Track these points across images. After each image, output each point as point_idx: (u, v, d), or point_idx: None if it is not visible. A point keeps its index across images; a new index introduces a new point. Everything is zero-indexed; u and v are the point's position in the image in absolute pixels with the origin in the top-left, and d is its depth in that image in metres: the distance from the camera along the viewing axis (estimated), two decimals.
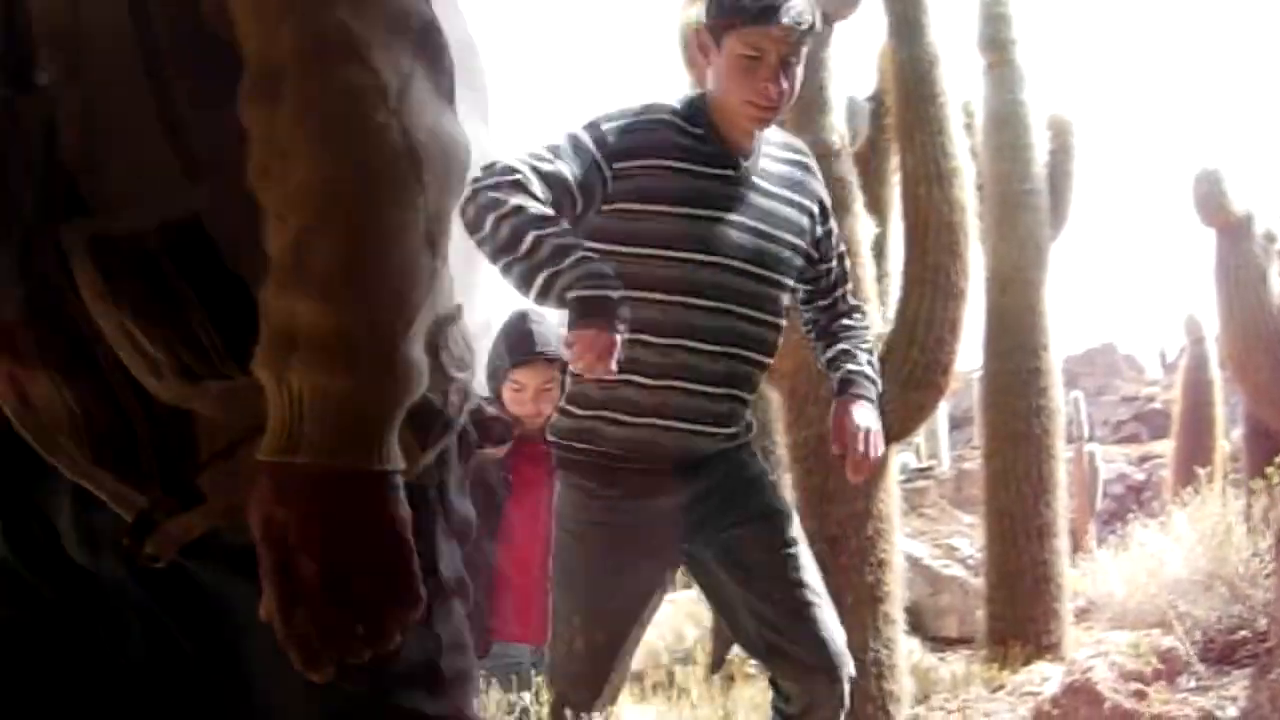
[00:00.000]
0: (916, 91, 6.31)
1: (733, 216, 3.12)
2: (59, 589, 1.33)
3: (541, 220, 2.80)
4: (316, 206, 1.16)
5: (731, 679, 7.43)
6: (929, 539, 10.84)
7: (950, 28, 6.51)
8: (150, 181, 1.23)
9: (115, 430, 1.26)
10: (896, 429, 6.59)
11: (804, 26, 3.01)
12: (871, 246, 6.36)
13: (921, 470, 15.01)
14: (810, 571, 3.37)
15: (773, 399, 8.05)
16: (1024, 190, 8.30)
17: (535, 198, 2.84)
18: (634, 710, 5.51)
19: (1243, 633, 4.73)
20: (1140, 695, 3.62)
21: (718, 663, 7.70)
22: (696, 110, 3.15)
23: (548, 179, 2.89)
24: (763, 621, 3.30)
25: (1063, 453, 8.71)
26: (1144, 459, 24.18)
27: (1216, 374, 15.34)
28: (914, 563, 9.62)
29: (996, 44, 8.40)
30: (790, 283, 3.28)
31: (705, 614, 9.93)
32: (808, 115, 6.26)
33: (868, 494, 6.20)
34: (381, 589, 1.17)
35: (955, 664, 8.08)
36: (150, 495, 1.26)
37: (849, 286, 3.59)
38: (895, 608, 6.29)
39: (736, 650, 8.36)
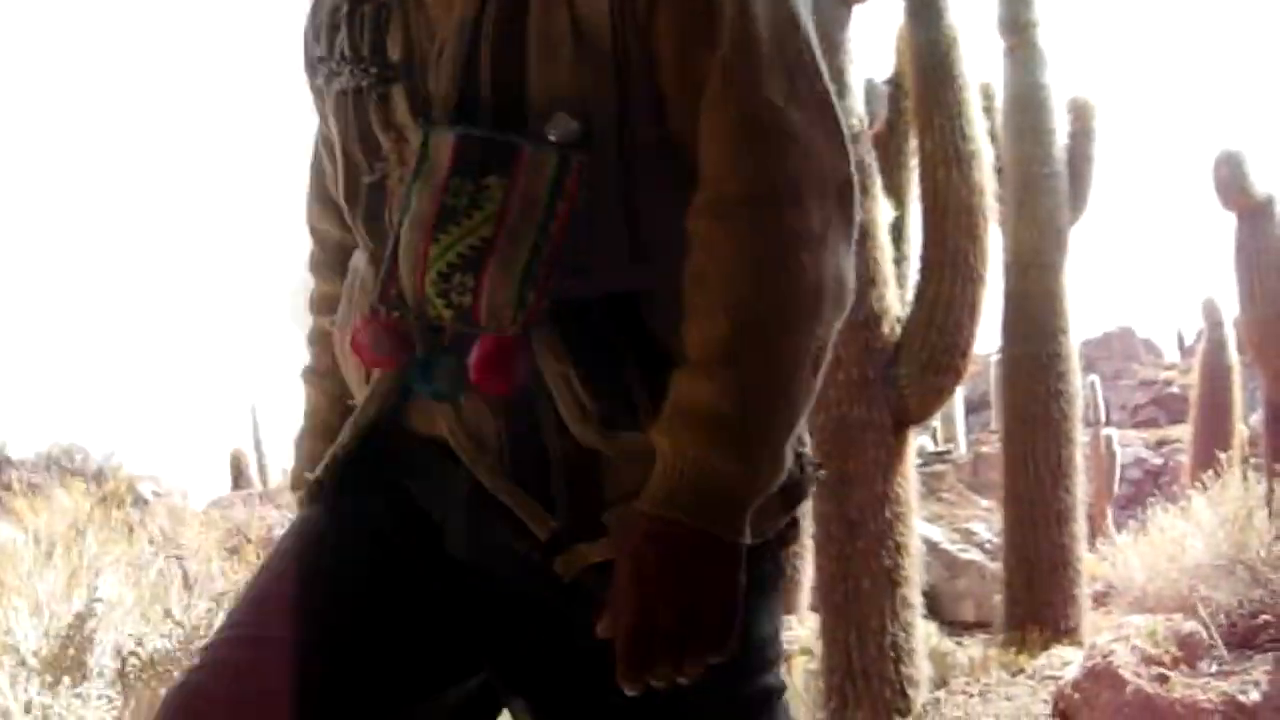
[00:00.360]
0: (935, 74, 6.27)
1: None
2: (428, 568, 1.60)
3: None
4: (739, 320, 1.42)
5: None
6: (946, 523, 10.83)
7: (969, 9, 6.48)
8: (603, 257, 1.49)
9: (535, 458, 1.51)
10: (915, 412, 6.58)
11: None
12: (890, 230, 6.33)
13: (938, 454, 14.96)
14: None
15: None
16: (1044, 174, 8.27)
17: None
18: None
19: (1264, 617, 4.70)
20: (1162, 680, 3.60)
21: None
22: None
23: None
24: None
25: (1080, 437, 8.69)
26: (1161, 443, 24.13)
27: (1235, 358, 15.28)
28: (931, 547, 9.59)
29: (1017, 26, 8.36)
30: None
31: None
32: None
33: (885, 478, 6.18)
34: (710, 637, 1.41)
35: (972, 648, 8.06)
36: (561, 520, 1.51)
37: None
38: (913, 591, 6.28)
39: None
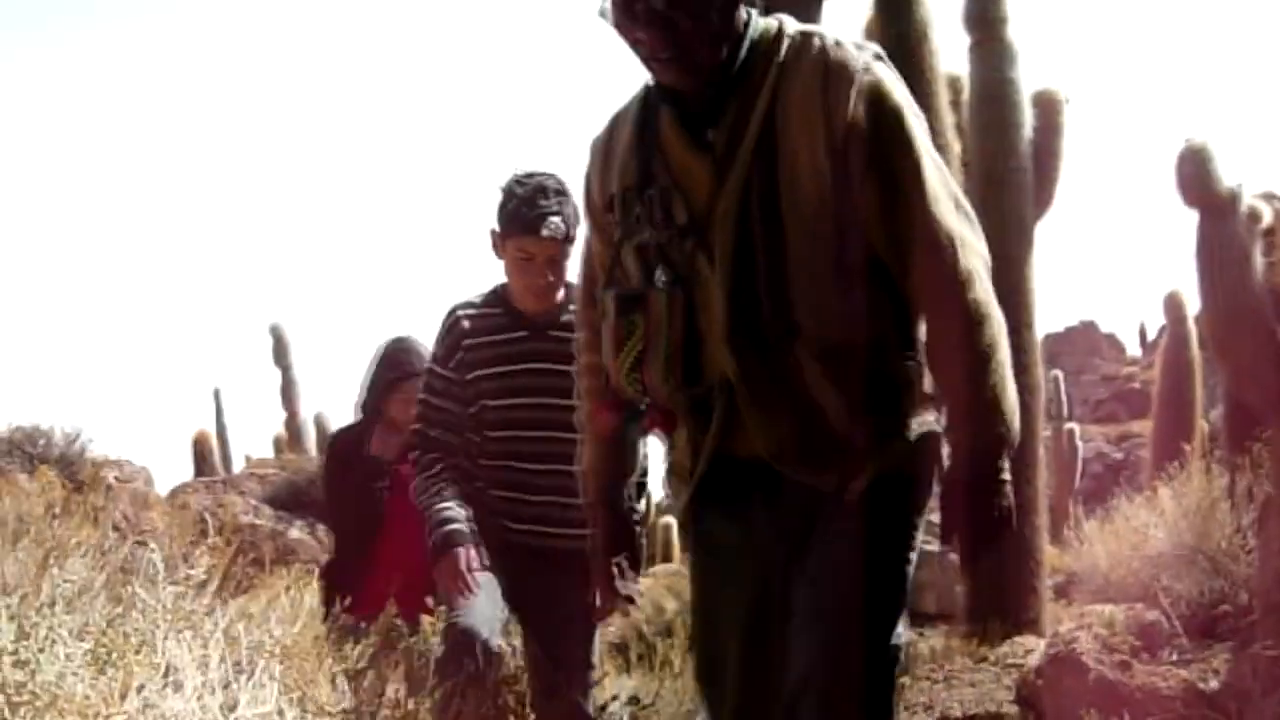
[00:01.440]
0: (903, 67, 6.26)
1: (533, 365, 4.15)
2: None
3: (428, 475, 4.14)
4: (980, 349, 2.46)
5: None
6: None
7: (938, 4, 6.49)
8: (830, 319, 2.47)
9: (813, 443, 2.50)
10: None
11: (560, 237, 4.07)
12: None
13: None
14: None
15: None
16: (1009, 168, 8.29)
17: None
18: (616, 682, 5.53)
19: (1224, 606, 4.74)
20: (1124, 667, 3.64)
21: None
22: (495, 295, 4.28)
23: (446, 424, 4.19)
24: None
25: (1043, 431, 8.75)
26: (1123, 438, 24.31)
27: (1197, 353, 15.40)
28: None
29: (984, 21, 8.36)
30: None
31: (684, 587, 9.94)
32: None
33: None
34: (1008, 528, 2.48)
35: (934, 639, 8.11)
36: (838, 475, 2.50)
37: None
38: None
39: None
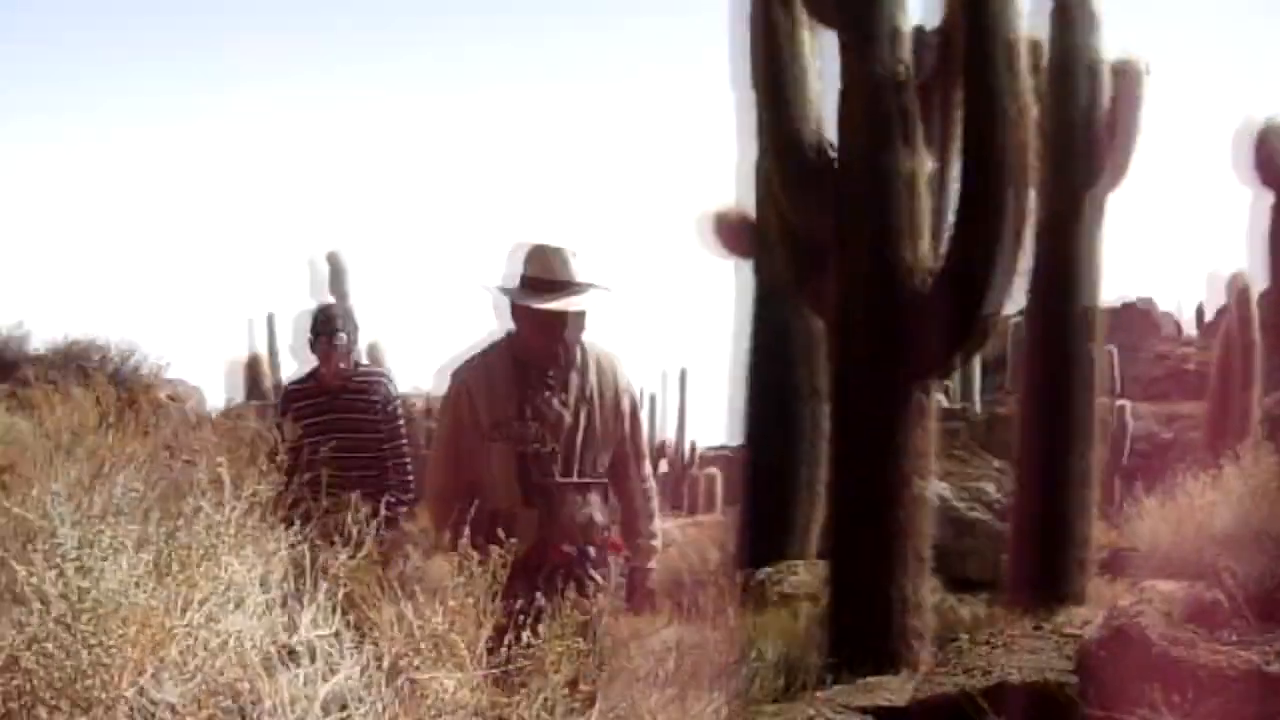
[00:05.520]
0: (985, 28, 6.16)
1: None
2: None
3: None
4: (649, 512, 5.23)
5: (757, 602, 7.45)
6: (956, 481, 10.81)
7: None
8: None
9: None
10: (939, 367, 6.58)
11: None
12: (929, 181, 6.29)
13: (953, 411, 14.94)
14: None
15: (816, 329, 8.03)
16: (1083, 137, 8.20)
17: None
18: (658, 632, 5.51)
19: None
20: (1189, 644, 3.61)
21: (742, 586, 7.72)
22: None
23: None
24: None
25: (1097, 405, 8.67)
26: (1173, 418, 24.09)
27: (1258, 336, 15.22)
28: (941, 504, 9.59)
29: None
30: None
31: (729, 538, 9.95)
32: (872, 46, 6.18)
33: (905, 430, 6.17)
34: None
35: (975, 605, 8.09)
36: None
37: None
38: (924, 545, 6.29)
39: (763, 573, 8.41)
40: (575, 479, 4.99)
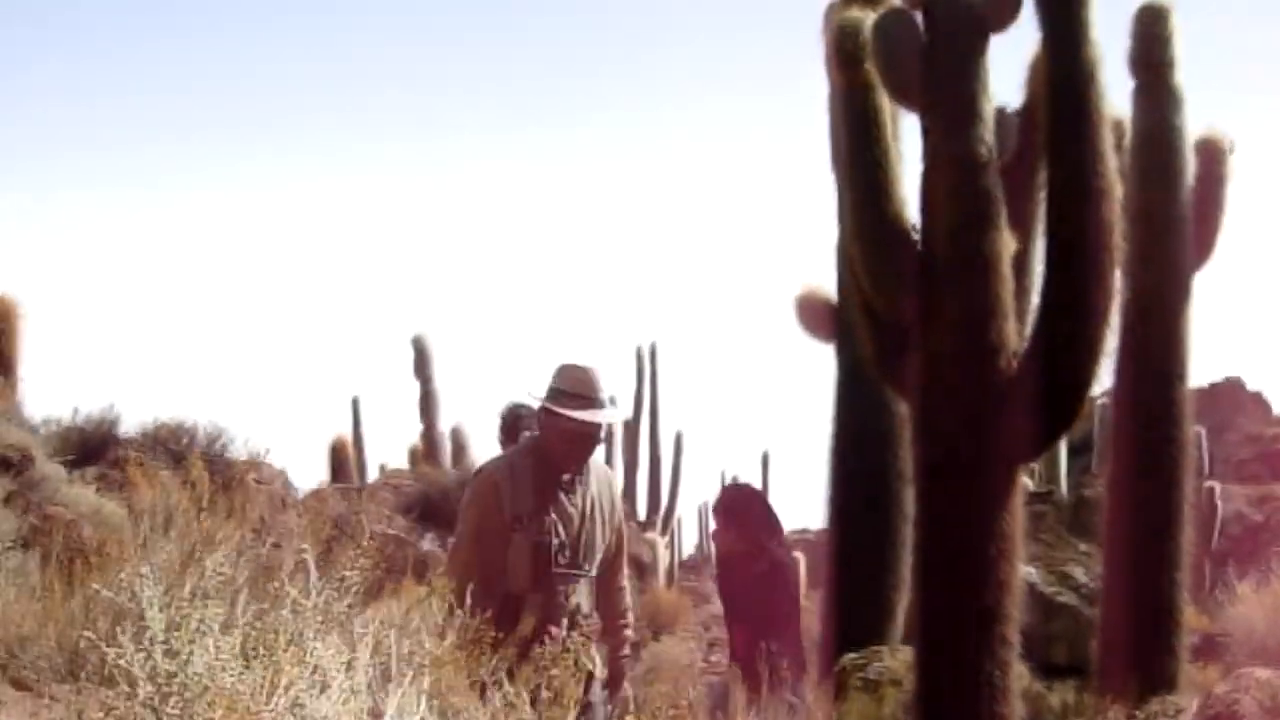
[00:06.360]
0: (1069, 107, 6.15)
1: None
2: None
3: None
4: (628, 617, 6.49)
5: (842, 688, 7.36)
6: (1043, 564, 10.66)
7: (1103, 42, 6.33)
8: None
9: None
10: (1026, 449, 6.49)
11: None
12: (1012, 262, 6.25)
13: (1039, 494, 14.76)
14: None
15: (900, 411, 7.97)
16: (1170, 217, 8.13)
17: None
18: None
19: None
20: None
21: (825, 672, 7.64)
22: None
23: None
24: None
25: (1188, 487, 8.53)
26: (1264, 500, 23.65)
27: None
28: (1028, 588, 9.45)
29: (1149, 63, 8.20)
30: None
31: (812, 623, 9.84)
32: (957, 126, 6.18)
33: (993, 513, 6.10)
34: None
35: (1065, 692, 7.94)
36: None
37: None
38: (1012, 630, 6.19)
39: (848, 658, 8.32)
40: (576, 570, 5.76)
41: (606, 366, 5.97)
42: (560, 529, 5.75)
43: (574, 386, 5.78)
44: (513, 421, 7.12)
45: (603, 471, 6.19)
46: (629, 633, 6.18)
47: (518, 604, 5.39)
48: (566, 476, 5.84)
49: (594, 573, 5.95)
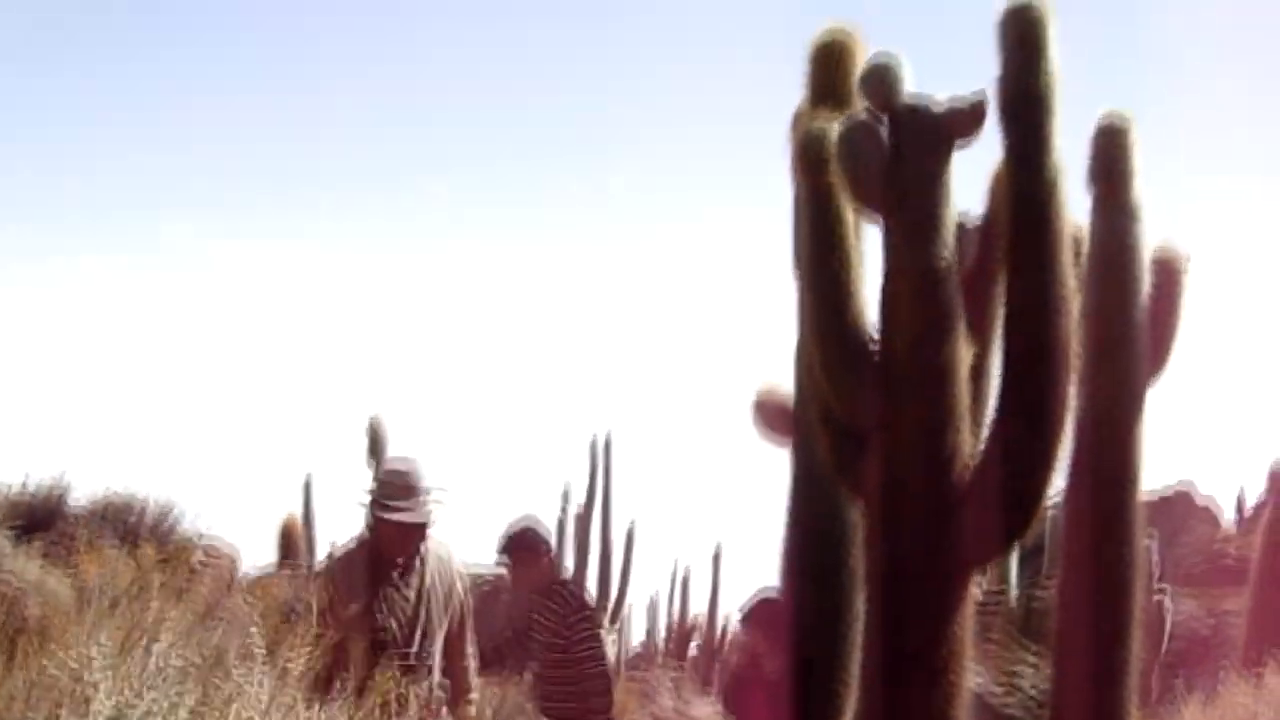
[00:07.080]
0: (1030, 219, 6.24)
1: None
2: None
3: None
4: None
5: None
6: (994, 665, 10.66)
7: (1063, 155, 6.42)
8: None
9: None
10: (978, 555, 6.52)
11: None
12: (969, 371, 6.31)
13: (992, 593, 14.77)
14: None
15: (854, 515, 7.99)
16: (1124, 329, 8.19)
17: None
18: None
19: None
20: None
21: None
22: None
23: None
24: None
25: (1140, 595, 8.55)
26: (1212, 610, 23.72)
27: None
28: (975, 693, 9.44)
29: (1108, 176, 8.28)
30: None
31: None
32: (919, 236, 6.24)
33: (944, 619, 6.12)
34: None
35: None
36: None
37: None
38: None
39: None
40: (417, 663, 6.00)
41: (427, 462, 6.37)
42: (394, 622, 6.01)
43: (394, 485, 6.21)
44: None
45: (441, 549, 6.52)
46: (472, 709, 6.45)
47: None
48: (398, 570, 6.26)
49: (435, 659, 6.23)
